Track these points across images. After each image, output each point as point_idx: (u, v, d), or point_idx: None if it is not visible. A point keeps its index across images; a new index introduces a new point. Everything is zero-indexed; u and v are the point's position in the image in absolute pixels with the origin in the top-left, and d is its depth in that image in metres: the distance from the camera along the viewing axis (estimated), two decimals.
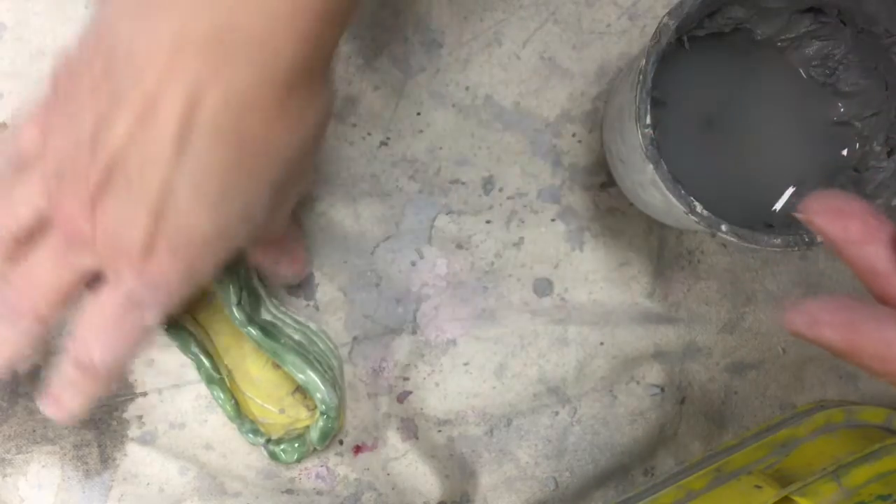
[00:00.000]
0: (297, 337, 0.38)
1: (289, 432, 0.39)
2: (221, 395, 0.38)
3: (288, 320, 0.39)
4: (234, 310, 0.36)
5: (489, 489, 0.40)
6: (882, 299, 0.21)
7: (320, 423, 0.38)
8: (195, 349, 0.38)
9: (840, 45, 0.35)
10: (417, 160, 0.40)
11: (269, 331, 0.38)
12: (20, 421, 0.39)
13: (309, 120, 0.27)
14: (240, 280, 0.36)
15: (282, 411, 0.40)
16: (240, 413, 0.38)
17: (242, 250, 0.32)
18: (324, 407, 0.37)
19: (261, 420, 0.39)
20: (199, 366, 0.38)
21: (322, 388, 0.37)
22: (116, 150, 0.25)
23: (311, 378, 0.37)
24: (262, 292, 0.39)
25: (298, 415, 0.40)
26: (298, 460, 0.38)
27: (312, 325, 0.39)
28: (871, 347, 0.19)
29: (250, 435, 0.38)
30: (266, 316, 0.38)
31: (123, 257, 0.26)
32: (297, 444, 0.38)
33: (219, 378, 0.38)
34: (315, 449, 0.39)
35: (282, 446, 0.38)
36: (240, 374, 0.39)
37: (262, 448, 0.39)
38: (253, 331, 0.37)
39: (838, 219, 0.21)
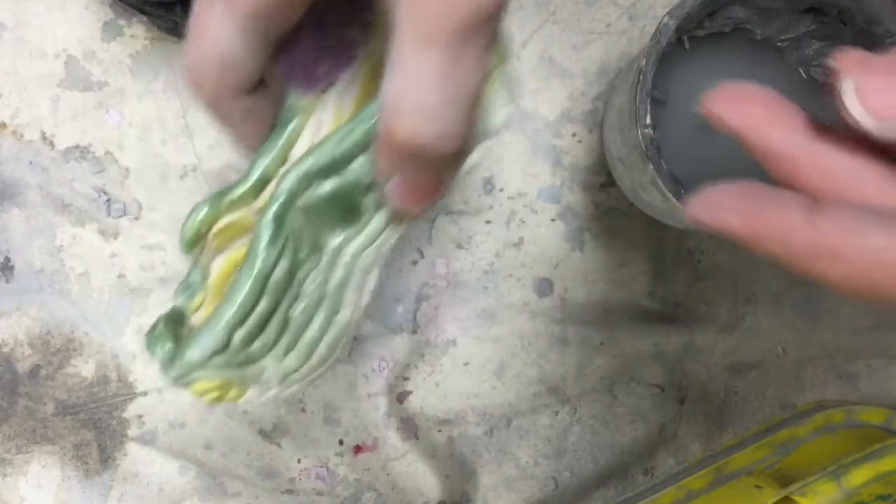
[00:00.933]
0: (316, 282, 0.25)
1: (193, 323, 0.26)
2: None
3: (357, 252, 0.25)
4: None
5: (489, 489, 0.40)
6: (787, 183, 0.19)
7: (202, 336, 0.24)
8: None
9: (840, 45, 0.35)
10: None
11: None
12: (20, 421, 0.39)
13: None
14: None
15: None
16: (199, 242, 0.26)
17: None
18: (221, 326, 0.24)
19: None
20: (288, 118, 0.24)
21: (242, 292, 0.24)
22: None
23: (245, 278, 0.23)
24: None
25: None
26: (161, 360, 0.25)
27: (343, 315, 0.26)
28: (775, 232, 0.18)
29: (182, 287, 0.26)
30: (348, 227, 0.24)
31: None
32: (170, 340, 0.25)
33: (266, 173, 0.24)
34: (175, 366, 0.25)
35: (158, 328, 0.26)
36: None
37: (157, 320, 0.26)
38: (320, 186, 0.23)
39: (739, 104, 0.19)
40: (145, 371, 0.39)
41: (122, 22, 0.39)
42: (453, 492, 0.40)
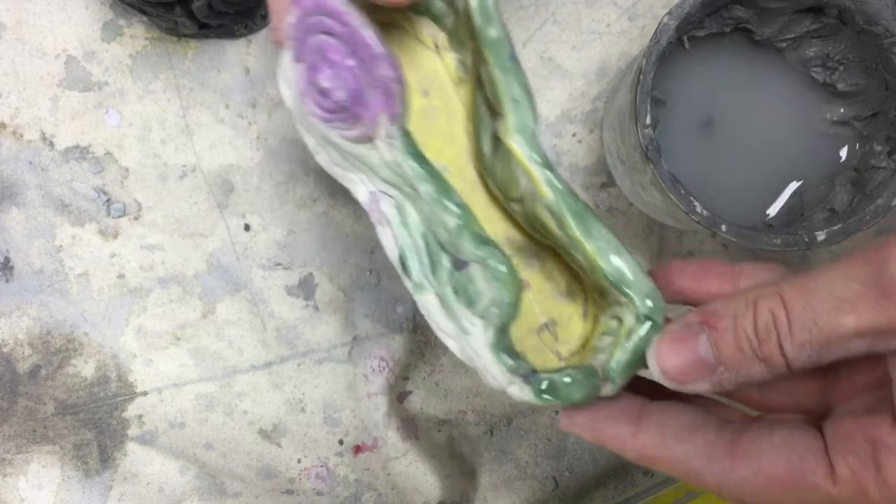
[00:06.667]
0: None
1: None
2: (502, 266, 0.23)
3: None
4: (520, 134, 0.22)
5: (489, 489, 0.40)
6: (637, 459, 0.24)
7: (639, 335, 0.23)
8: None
9: (840, 45, 0.35)
10: None
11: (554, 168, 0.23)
12: (20, 421, 0.39)
13: None
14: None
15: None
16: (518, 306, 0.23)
17: None
18: (648, 307, 0.23)
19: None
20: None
21: (641, 276, 0.23)
22: None
23: (623, 263, 0.23)
24: None
25: (544, 361, 0.25)
26: (583, 401, 0.24)
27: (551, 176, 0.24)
28: (612, 440, 0.24)
29: (505, 356, 0.23)
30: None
31: None
32: (584, 376, 0.23)
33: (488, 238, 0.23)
34: (603, 386, 0.24)
35: (566, 378, 0.23)
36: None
37: (521, 383, 0.23)
38: (540, 166, 0.23)
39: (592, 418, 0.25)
40: (145, 371, 0.39)
41: (122, 22, 0.39)
42: (453, 492, 0.40)
